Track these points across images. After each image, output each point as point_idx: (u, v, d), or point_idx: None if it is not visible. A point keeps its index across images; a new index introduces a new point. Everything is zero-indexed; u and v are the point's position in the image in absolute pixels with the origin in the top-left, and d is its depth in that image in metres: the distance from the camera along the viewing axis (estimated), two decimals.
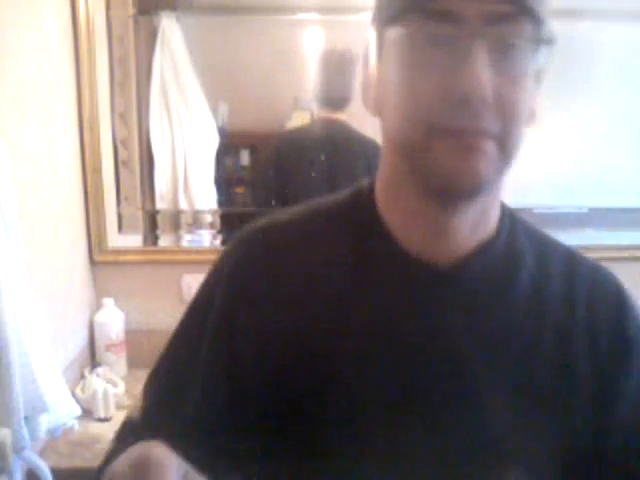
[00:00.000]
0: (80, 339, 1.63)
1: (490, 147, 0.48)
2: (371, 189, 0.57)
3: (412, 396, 0.52)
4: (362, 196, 0.58)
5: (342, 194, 0.61)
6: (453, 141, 0.48)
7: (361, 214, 0.57)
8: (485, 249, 0.54)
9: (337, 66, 1.69)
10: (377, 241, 0.55)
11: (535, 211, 1.79)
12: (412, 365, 0.52)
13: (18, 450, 1.11)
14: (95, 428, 1.41)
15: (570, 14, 1.70)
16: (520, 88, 0.48)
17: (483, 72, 0.45)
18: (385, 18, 0.50)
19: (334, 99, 1.71)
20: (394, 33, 0.49)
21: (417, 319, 0.53)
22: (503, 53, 0.47)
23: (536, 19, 0.48)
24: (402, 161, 0.52)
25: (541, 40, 0.49)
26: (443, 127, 0.47)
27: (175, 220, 1.78)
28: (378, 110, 0.55)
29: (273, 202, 1.83)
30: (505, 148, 0.49)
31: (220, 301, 0.59)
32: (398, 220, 0.55)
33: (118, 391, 1.50)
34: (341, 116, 1.72)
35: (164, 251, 1.76)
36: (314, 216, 0.60)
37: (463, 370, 0.52)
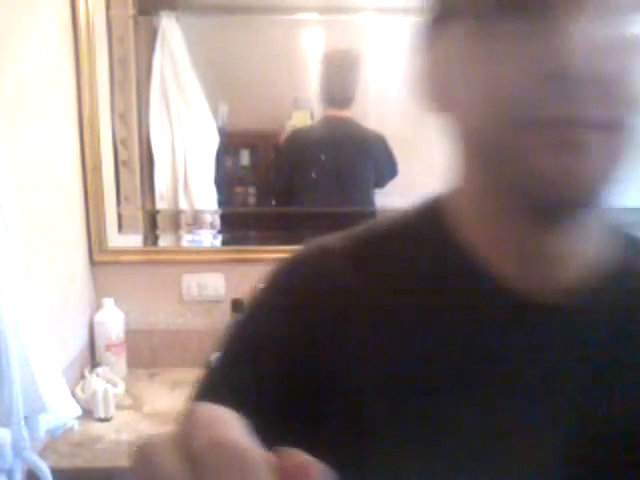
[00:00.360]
0: (80, 339, 1.63)
1: (600, 141, 0.36)
2: (441, 207, 0.49)
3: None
4: (434, 216, 0.48)
5: (408, 213, 0.51)
6: (549, 135, 0.37)
7: (437, 238, 0.47)
8: (602, 277, 0.43)
9: (341, 65, 1.69)
10: (458, 270, 0.44)
11: None
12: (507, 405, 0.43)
13: (18, 450, 1.11)
14: (95, 428, 1.41)
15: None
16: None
17: (581, 39, 0.34)
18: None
19: (339, 98, 1.71)
20: (466, 23, 0.39)
21: (517, 360, 0.43)
22: (617, 11, 0.36)
23: None
24: (484, 168, 0.42)
25: None
26: (534, 117, 0.37)
27: (175, 220, 1.78)
28: (444, 109, 0.44)
29: (273, 202, 1.84)
30: (621, 141, 0.37)
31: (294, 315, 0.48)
32: (484, 244, 0.44)
33: (118, 391, 1.50)
34: (347, 113, 1.71)
35: (164, 251, 1.76)
36: (382, 240, 0.50)
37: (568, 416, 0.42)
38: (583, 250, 0.42)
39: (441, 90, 0.43)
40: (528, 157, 0.37)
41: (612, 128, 0.37)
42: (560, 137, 0.36)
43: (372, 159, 1.75)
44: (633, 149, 0.38)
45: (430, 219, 0.48)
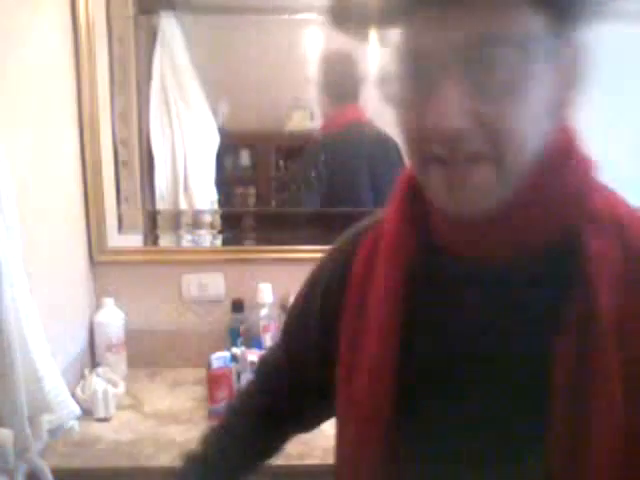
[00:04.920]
0: (80, 339, 1.63)
1: (484, 172, 0.47)
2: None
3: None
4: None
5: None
6: (444, 171, 0.48)
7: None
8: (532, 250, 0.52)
9: (345, 60, 1.69)
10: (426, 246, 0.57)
11: None
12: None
13: (21, 451, 1.11)
14: (95, 428, 1.41)
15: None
16: (515, 98, 0.45)
17: (448, 104, 0.44)
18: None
19: (344, 93, 1.70)
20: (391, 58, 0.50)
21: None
22: (483, 74, 0.44)
23: (524, 39, 0.44)
24: (416, 175, 0.55)
25: (547, 48, 0.45)
26: (434, 156, 0.48)
27: (175, 220, 1.78)
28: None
29: (273, 203, 1.83)
30: (503, 163, 0.47)
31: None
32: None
33: (118, 391, 1.50)
34: (359, 112, 1.70)
35: (164, 251, 1.76)
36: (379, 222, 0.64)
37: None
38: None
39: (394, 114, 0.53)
40: (434, 188, 0.50)
41: (497, 158, 0.47)
42: (454, 175, 0.48)
43: (392, 165, 1.72)
44: (519, 167, 0.48)
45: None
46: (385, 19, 0.50)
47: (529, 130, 0.47)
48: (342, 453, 0.62)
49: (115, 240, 1.72)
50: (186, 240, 1.78)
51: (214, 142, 1.74)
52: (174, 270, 1.71)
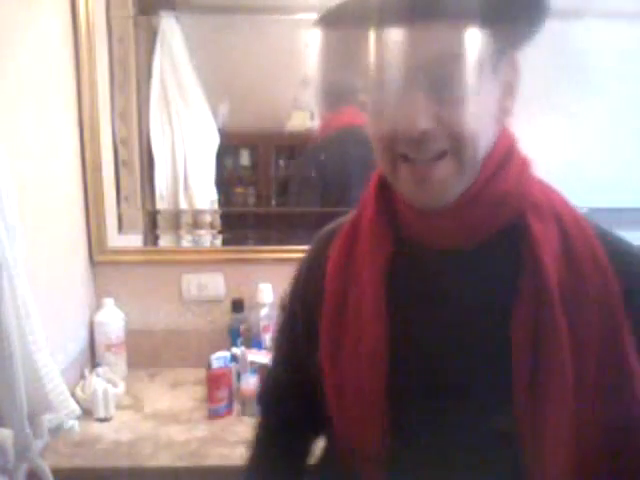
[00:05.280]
0: (80, 339, 1.63)
1: (445, 167, 0.56)
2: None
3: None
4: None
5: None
6: (412, 168, 0.57)
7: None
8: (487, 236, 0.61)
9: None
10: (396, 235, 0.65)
11: None
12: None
13: (21, 450, 1.11)
14: (95, 428, 1.41)
15: (570, 14, 1.70)
16: (470, 104, 0.54)
17: (417, 110, 0.53)
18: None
19: (341, 95, 1.70)
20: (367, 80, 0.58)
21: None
22: (444, 84, 0.53)
23: (477, 55, 0.53)
24: (387, 174, 0.63)
25: (486, 66, 0.54)
26: (403, 155, 0.57)
27: (175, 220, 1.78)
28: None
29: (274, 202, 1.83)
30: (462, 159, 0.56)
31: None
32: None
33: (118, 391, 1.50)
34: (355, 115, 1.70)
35: (164, 251, 1.76)
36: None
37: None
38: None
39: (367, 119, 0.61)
40: (402, 183, 0.59)
41: (456, 151, 0.55)
42: (419, 173, 0.56)
43: None
44: (476, 157, 0.57)
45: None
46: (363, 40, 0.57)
47: (481, 131, 0.57)
48: (341, 430, 0.66)
49: (115, 240, 1.72)
50: (186, 240, 1.78)
51: (214, 142, 1.74)
52: (174, 270, 1.71)
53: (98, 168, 1.67)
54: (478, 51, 0.53)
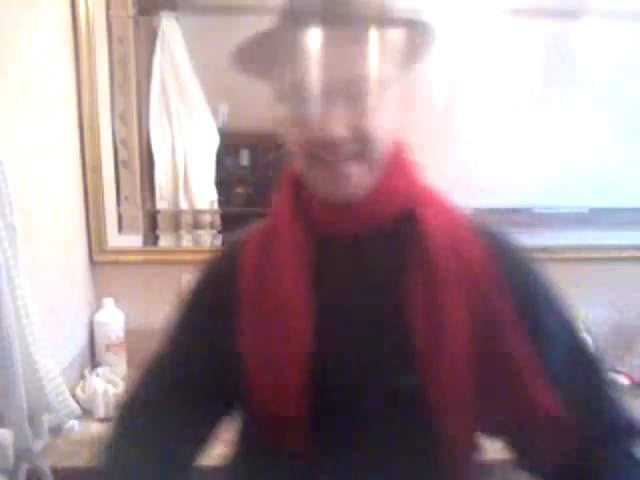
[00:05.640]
0: (80, 339, 1.63)
1: (356, 166, 0.67)
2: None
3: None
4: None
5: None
6: (325, 169, 0.67)
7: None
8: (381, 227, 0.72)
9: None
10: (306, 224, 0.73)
11: (535, 211, 1.79)
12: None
13: (22, 450, 1.11)
14: (95, 428, 1.41)
15: (570, 14, 1.70)
16: (376, 116, 0.65)
17: (335, 122, 0.64)
18: (269, 72, 0.72)
19: None
20: (279, 86, 0.70)
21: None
22: (355, 97, 0.64)
23: (379, 77, 0.64)
24: (302, 174, 0.72)
25: (386, 83, 0.66)
26: (316, 156, 0.66)
27: (175, 220, 1.78)
28: (284, 140, 0.72)
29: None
30: (370, 159, 0.67)
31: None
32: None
33: (118, 391, 1.50)
34: None
35: (164, 251, 1.76)
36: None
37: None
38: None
39: (280, 129, 0.72)
40: (317, 181, 0.69)
41: (363, 153, 0.66)
42: (333, 172, 0.66)
43: None
44: (380, 157, 0.68)
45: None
46: (279, 60, 0.69)
47: (384, 138, 0.68)
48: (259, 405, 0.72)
49: (115, 240, 1.72)
50: (186, 240, 1.78)
51: (214, 142, 1.74)
52: (174, 270, 1.71)
53: (98, 168, 1.67)
54: (380, 72, 0.64)
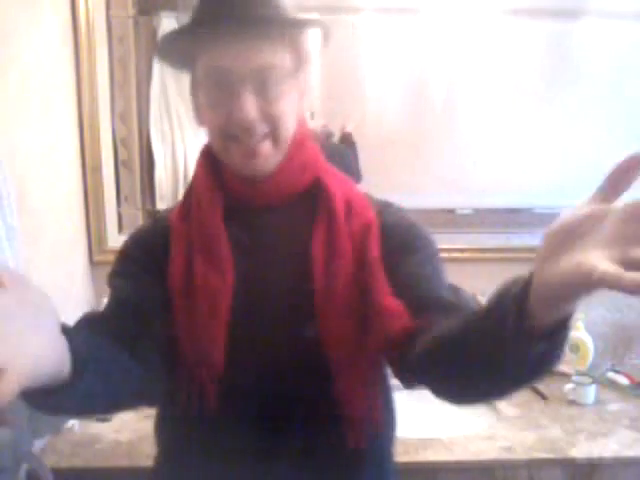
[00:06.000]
0: None
1: (266, 145, 0.77)
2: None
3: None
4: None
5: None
6: (240, 146, 0.77)
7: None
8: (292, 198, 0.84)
9: None
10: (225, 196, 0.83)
11: (535, 211, 1.79)
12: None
13: (21, 450, 1.11)
14: (95, 428, 1.42)
15: (570, 14, 1.70)
16: (281, 101, 0.76)
17: (248, 106, 0.74)
18: (188, 64, 0.80)
19: None
20: (197, 76, 0.78)
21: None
22: (263, 85, 0.75)
23: (283, 67, 0.76)
24: (218, 153, 0.82)
25: (289, 73, 0.77)
26: (232, 136, 0.77)
27: None
28: (203, 123, 0.82)
29: None
30: (278, 140, 0.78)
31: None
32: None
33: None
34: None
35: None
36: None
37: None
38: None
39: (198, 114, 0.84)
40: (232, 157, 0.79)
41: (273, 134, 0.77)
42: (246, 149, 0.77)
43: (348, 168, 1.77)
44: (287, 139, 0.79)
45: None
46: (197, 53, 0.77)
47: (290, 120, 0.78)
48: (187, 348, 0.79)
49: (115, 240, 1.72)
50: None
51: None
52: None
53: (98, 168, 1.67)
54: (283, 66, 0.76)
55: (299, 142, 0.82)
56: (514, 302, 0.52)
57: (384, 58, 1.71)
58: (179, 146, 1.73)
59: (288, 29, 0.77)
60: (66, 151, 1.57)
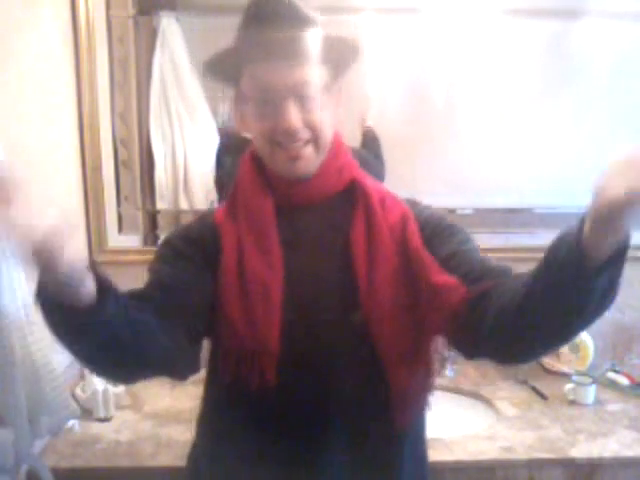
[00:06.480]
0: None
1: (308, 150, 0.86)
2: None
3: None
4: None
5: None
6: (284, 151, 0.86)
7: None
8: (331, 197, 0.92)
9: None
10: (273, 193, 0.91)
11: (535, 211, 1.79)
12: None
13: (21, 450, 1.11)
14: (95, 428, 1.42)
15: (570, 14, 1.70)
16: (320, 111, 0.85)
17: (292, 116, 0.83)
18: (233, 79, 0.89)
19: None
20: (244, 90, 0.87)
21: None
22: (304, 98, 0.84)
23: (320, 82, 0.85)
24: (264, 157, 0.90)
25: (325, 89, 0.86)
26: (277, 142, 0.86)
27: (175, 220, 1.78)
28: (247, 130, 0.91)
29: None
30: (318, 144, 0.87)
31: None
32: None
33: (118, 391, 1.50)
34: None
35: None
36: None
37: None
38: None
39: (243, 122, 0.91)
40: (277, 162, 0.88)
41: (314, 140, 0.86)
42: (290, 154, 0.86)
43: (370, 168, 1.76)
44: (327, 143, 0.88)
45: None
46: (243, 71, 0.86)
47: (328, 127, 0.88)
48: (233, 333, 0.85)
49: (115, 240, 1.72)
50: None
51: (214, 142, 1.74)
52: None
53: (98, 168, 1.67)
54: (321, 81, 0.85)
55: (336, 146, 0.91)
56: (573, 238, 0.62)
57: (385, 58, 1.71)
58: (179, 146, 1.73)
59: (325, 48, 0.85)
60: (66, 151, 1.57)
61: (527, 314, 0.70)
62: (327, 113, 0.87)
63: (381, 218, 0.89)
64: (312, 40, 0.85)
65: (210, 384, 0.99)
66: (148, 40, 1.69)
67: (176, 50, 1.70)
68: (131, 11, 1.65)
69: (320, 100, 0.85)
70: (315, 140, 0.86)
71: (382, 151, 1.70)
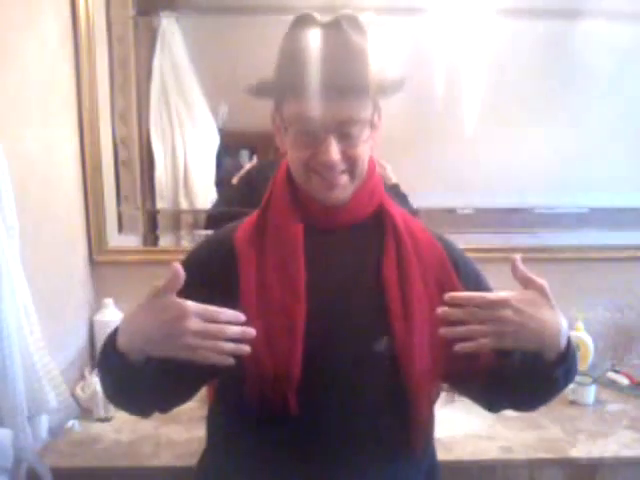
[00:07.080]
0: (80, 339, 1.63)
1: (344, 179, 0.88)
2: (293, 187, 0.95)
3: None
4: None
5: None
6: (321, 179, 0.88)
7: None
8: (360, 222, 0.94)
9: None
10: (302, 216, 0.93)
11: (535, 211, 1.79)
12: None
13: (21, 450, 1.11)
14: (95, 428, 1.42)
15: (570, 14, 1.70)
16: (358, 146, 0.87)
17: (333, 151, 0.84)
18: (282, 116, 0.90)
19: None
20: (288, 116, 0.88)
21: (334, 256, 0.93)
22: (346, 134, 0.85)
23: (362, 119, 0.86)
24: (300, 182, 0.92)
25: (369, 123, 0.88)
26: (315, 170, 0.87)
27: (175, 220, 1.78)
28: (284, 149, 0.92)
29: None
30: (354, 175, 0.89)
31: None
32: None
33: None
34: None
35: (164, 251, 1.76)
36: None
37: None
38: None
39: (282, 143, 0.93)
40: (314, 189, 0.90)
41: (350, 171, 0.88)
42: (327, 182, 0.88)
43: None
44: (361, 175, 0.90)
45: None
46: (289, 100, 0.88)
47: (365, 159, 0.90)
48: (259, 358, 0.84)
49: (115, 240, 1.72)
50: (186, 240, 1.78)
51: (214, 142, 1.74)
52: None
53: (98, 168, 1.67)
54: (365, 119, 0.86)
55: (369, 174, 0.93)
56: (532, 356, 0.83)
57: (384, 58, 1.71)
58: (179, 146, 1.73)
59: (372, 90, 0.87)
60: (66, 151, 1.57)
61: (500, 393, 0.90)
62: (366, 145, 0.89)
63: (409, 244, 0.91)
64: (362, 78, 0.86)
65: (217, 415, 1.00)
66: (148, 40, 1.69)
67: (176, 50, 1.70)
68: (131, 11, 1.65)
69: (361, 135, 0.87)
70: (351, 171, 0.88)
71: (411, 206, 1.67)
